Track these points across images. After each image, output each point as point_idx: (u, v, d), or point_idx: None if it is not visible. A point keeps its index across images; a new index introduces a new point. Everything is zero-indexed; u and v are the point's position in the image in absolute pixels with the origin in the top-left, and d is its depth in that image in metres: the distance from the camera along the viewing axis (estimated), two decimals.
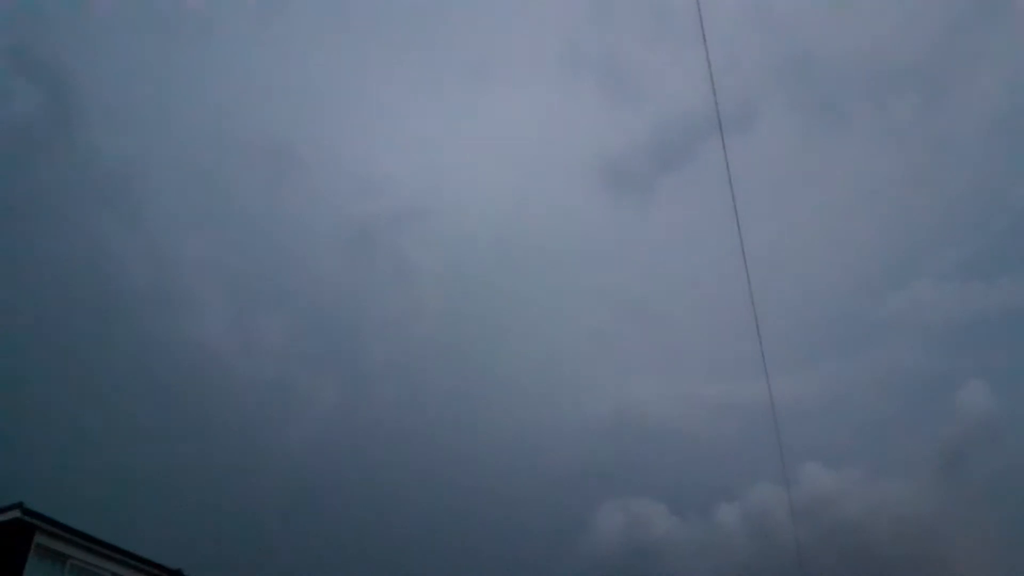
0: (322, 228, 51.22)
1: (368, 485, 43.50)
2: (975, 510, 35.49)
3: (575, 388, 51.62)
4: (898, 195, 50.05)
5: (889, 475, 39.99)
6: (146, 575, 10.76)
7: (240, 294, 47.16)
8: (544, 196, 53.14)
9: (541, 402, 49.73)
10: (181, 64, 46.02)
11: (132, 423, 36.32)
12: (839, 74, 54.74)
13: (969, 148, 48.17)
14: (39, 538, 9.31)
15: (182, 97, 47.98)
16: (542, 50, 58.36)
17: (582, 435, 46.82)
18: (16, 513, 9.07)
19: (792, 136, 52.73)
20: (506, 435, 43.99)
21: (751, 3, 45.27)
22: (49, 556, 9.45)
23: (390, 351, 48.08)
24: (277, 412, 44.39)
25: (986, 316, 42.94)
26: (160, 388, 38.94)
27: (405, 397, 46.66)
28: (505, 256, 51.90)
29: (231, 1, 47.19)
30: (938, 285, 43.79)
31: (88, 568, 9.80)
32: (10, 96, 35.84)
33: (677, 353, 49.25)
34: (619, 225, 54.08)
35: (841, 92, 51.66)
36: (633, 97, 55.93)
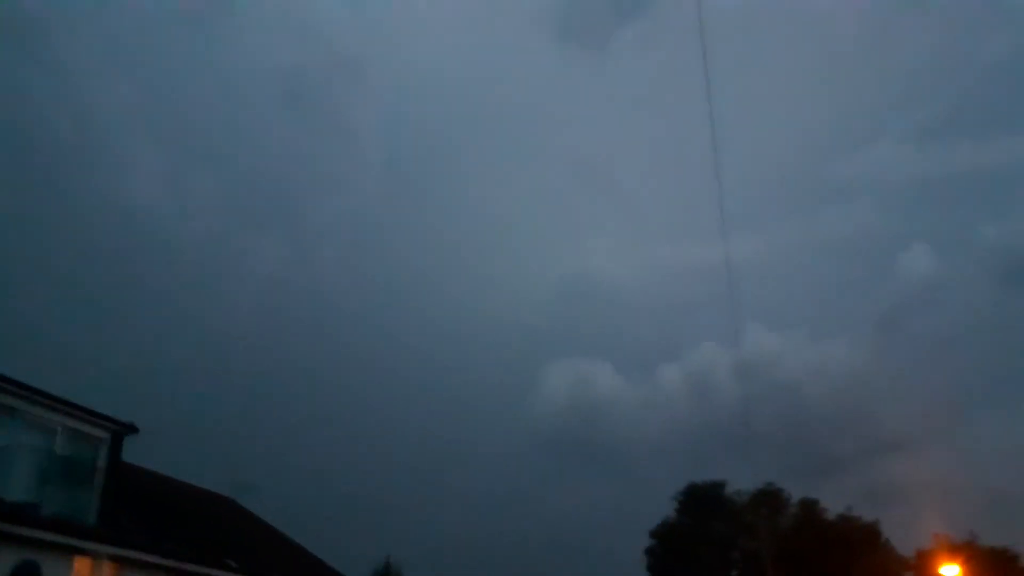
0: (253, 80, 47.60)
1: (313, 347, 42.89)
2: (908, 370, 36.84)
3: (527, 249, 50.95)
4: (864, 55, 48.27)
5: (830, 337, 40.95)
6: (94, 426, 9.85)
7: (171, 150, 44.17)
8: (490, 49, 50.07)
9: (491, 262, 49.07)
10: None
11: (70, 289, 34.56)
12: None
13: (938, 3, 45.60)
14: None
15: None
16: None
17: (532, 295, 46.64)
18: None
19: None
20: (455, 295, 43.46)
21: None
22: None
23: (330, 210, 46.20)
24: (216, 274, 42.83)
25: (940, 180, 42.49)
26: (92, 247, 36.94)
27: (349, 257, 45.41)
28: (449, 113, 49.37)
29: None
30: (897, 148, 43.09)
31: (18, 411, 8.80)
32: None
33: (631, 215, 48.67)
34: (572, 81, 51.49)
35: None
36: None
